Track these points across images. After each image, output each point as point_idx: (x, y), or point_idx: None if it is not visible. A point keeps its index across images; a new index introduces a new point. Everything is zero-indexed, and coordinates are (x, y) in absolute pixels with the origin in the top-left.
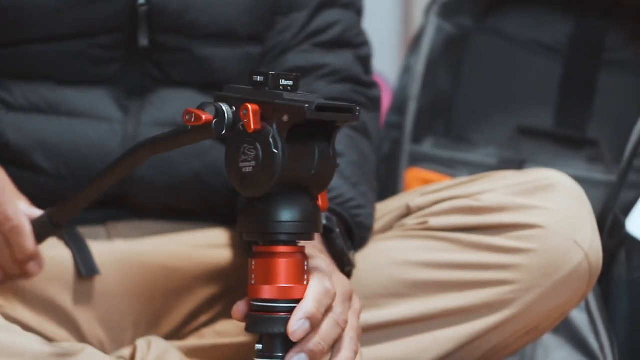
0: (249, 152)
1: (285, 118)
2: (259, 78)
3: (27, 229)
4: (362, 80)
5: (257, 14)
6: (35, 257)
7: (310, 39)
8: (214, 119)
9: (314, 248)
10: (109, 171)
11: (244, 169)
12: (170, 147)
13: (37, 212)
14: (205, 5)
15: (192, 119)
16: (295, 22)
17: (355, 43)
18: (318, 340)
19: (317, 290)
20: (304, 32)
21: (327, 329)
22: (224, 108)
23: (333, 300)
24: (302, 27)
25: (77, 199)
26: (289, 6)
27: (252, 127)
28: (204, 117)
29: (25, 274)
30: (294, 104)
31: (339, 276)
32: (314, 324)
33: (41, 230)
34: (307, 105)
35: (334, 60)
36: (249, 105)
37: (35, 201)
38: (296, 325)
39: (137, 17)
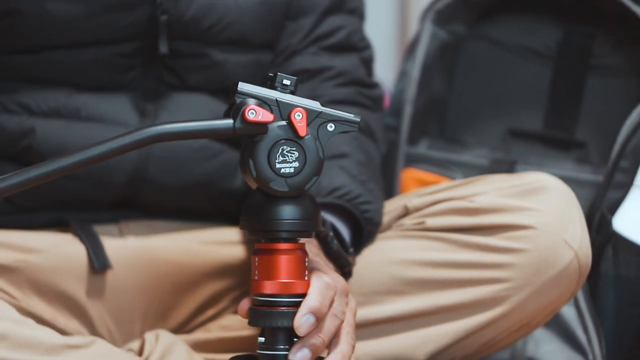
0: (289, 154)
1: (330, 127)
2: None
3: None
4: (365, 82)
5: (269, 22)
6: None
7: (317, 42)
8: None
9: (309, 249)
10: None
11: (282, 170)
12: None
13: None
14: (221, 13)
15: (259, 116)
16: (303, 27)
17: (359, 46)
18: (319, 334)
19: (319, 285)
20: (311, 36)
21: (327, 322)
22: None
23: (335, 294)
24: (309, 31)
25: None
26: (296, 12)
27: (305, 132)
28: (266, 117)
29: None
30: (344, 117)
31: (334, 275)
32: (319, 318)
33: None
34: (358, 120)
35: (340, 64)
36: (299, 110)
37: (50, 201)
38: (301, 321)
39: (158, 26)
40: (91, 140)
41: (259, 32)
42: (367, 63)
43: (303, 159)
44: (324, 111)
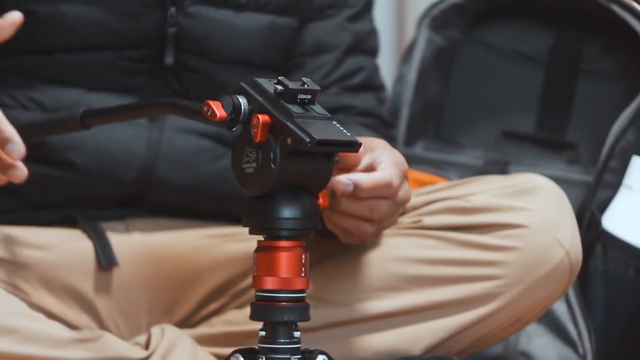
0: (251, 155)
1: (289, 141)
2: (279, 88)
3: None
4: (385, 119)
5: (272, 45)
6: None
7: (339, 82)
8: (228, 117)
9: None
10: (134, 108)
11: (246, 169)
12: (187, 117)
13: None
14: (228, 33)
15: (209, 113)
16: (324, 65)
17: (376, 86)
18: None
19: (383, 177)
20: (333, 76)
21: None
22: (242, 106)
23: (390, 193)
24: (331, 70)
25: (107, 114)
26: (317, 49)
27: (258, 138)
28: (218, 114)
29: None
30: (299, 134)
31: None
32: (359, 195)
33: (71, 124)
34: (308, 140)
35: (361, 102)
36: (260, 117)
37: (59, 195)
38: (346, 180)
39: (166, 37)
40: (101, 137)
41: (262, 55)
42: (382, 103)
43: (259, 162)
44: (284, 123)
